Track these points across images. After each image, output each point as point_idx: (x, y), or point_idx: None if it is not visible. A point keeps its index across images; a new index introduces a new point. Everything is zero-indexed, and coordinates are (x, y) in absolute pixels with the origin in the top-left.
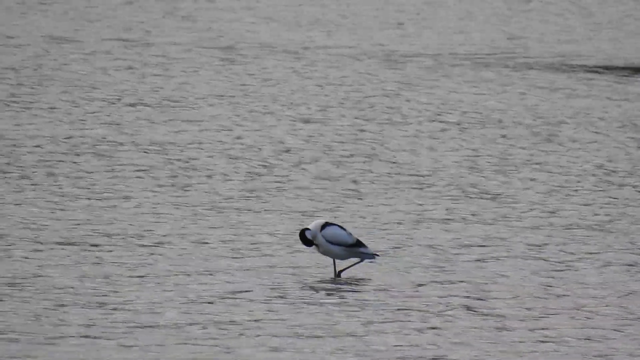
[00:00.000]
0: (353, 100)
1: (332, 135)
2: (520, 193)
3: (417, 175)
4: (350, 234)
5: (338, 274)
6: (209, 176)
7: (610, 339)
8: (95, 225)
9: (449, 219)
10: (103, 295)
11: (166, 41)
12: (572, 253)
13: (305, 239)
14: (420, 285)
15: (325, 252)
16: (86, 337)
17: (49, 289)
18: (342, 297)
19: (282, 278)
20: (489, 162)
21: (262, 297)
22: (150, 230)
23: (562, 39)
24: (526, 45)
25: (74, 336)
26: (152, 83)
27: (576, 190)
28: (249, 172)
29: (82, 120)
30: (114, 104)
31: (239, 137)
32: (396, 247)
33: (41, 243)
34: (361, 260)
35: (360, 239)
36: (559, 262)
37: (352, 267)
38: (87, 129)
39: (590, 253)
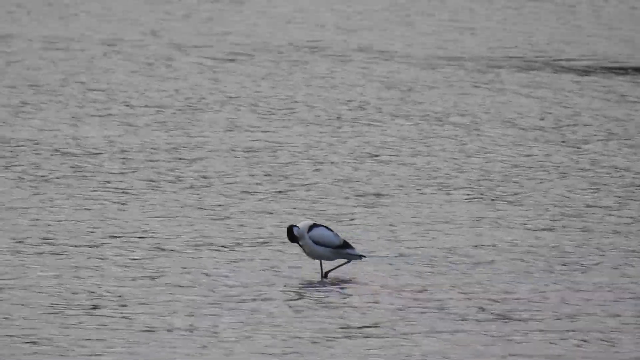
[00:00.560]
0: (405, 102)
1: (353, 136)
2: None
3: (441, 177)
4: (337, 235)
5: (325, 275)
6: (227, 179)
7: None
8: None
9: (466, 221)
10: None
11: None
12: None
13: (292, 236)
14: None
15: (312, 254)
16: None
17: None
18: (329, 300)
19: (270, 279)
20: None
21: (249, 299)
22: (164, 232)
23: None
24: (563, 48)
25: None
26: (180, 87)
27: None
28: (276, 174)
29: (134, 125)
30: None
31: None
32: (407, 249)
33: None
34: (348, 261)
35: (348, 240)
36: (568, 265)
37: (339, 268)
38: (141, 134)
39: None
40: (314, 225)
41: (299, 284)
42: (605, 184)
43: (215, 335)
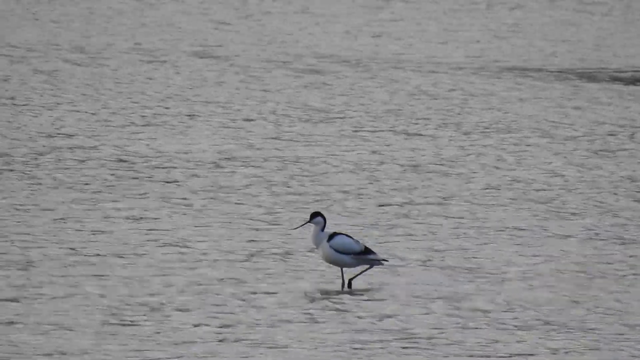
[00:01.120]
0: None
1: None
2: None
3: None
4: (358, 241)
5: (348, 284)
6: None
7: None
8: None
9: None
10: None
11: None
12: None
13: (312, 218)
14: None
15: (334, 262)
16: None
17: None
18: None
19: (294, 289)
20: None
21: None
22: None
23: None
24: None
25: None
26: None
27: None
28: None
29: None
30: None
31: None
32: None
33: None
34: (370, 267)
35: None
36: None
37: (361, 275)
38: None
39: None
40: (335, 234)
41: (323, 294)
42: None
43: (267, 342)
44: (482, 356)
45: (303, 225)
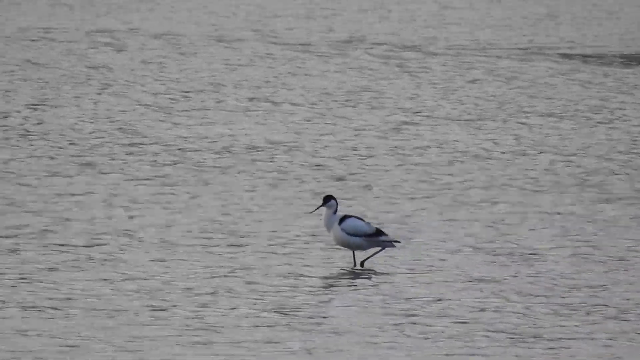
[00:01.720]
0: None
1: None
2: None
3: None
4: (369, 223)
5: (361, 264)
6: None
7: None
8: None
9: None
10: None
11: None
12: None
13: (324, 202)
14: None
15: (346, 245)
16: None
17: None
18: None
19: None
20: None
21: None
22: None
23: None
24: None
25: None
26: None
27: None
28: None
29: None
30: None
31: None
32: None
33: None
34: (382, 249)
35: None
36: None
37: (373, 256)
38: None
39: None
40: (346, 217)
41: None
42: None
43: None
44: (520, 340)
45: (317, 208)
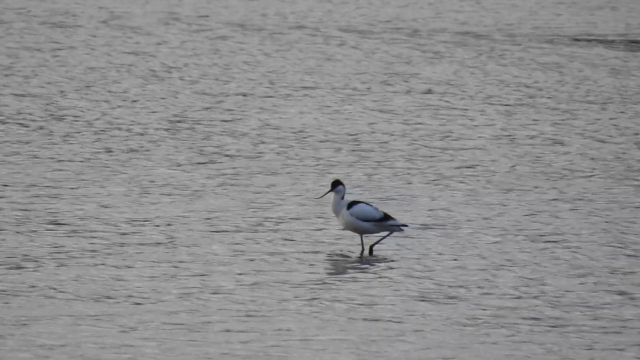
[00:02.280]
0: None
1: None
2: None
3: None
4: (377, 208)
5: (369, 250)
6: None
7: None
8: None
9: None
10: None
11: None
12: None
13: (333, 187)
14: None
15: (355, 229)
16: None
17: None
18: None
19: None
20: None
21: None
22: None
23: None
24: None
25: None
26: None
27: None
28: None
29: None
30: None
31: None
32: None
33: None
34: (390, 233)
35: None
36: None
37: (382, 241)
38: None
39: None
40: (354, 202)
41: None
42: None
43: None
44: (555, 325)
45: (326, 194)
